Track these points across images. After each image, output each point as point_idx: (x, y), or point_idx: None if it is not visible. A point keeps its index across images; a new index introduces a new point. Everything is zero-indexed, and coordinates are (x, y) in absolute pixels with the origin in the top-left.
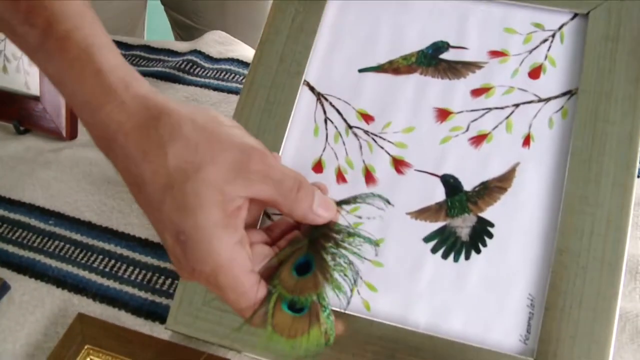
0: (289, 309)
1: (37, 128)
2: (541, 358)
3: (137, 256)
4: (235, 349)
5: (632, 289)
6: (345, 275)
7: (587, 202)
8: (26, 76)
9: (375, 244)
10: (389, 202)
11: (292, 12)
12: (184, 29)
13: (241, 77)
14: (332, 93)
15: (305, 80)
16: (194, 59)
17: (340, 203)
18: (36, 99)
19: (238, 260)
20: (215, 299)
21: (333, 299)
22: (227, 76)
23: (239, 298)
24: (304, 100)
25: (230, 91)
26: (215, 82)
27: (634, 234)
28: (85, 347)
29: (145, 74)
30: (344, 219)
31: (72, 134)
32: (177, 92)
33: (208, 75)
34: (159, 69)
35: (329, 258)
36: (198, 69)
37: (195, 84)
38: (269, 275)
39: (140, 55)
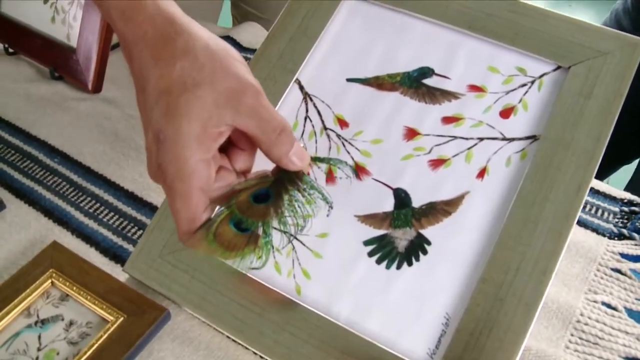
0: (234, 226)
1: (68, 76)
2: None
3: (119, 205)
4: (175, 301)
5: (561, 336)
6: (295, 216)
7: (521, 241)
8: (69, 29)
9: (330, 205)
10: (357, 175)
11: (301, 15)
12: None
13: None
14: (318, 95)
15: (297, 79)
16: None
17: (314, 159)
18: (73, 50)
19: (198, 174)
20: (170, 254)
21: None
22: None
23: (184, 207)
24: (291, 96)
25: None
26: None
27: (580, 287)
28: (50, 270)
29: None
30: (313, 174)
31: (97, 88)
32: None
33: None
34: None
35: (286, 198)
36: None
37: None
38: (226, 197)
39: None
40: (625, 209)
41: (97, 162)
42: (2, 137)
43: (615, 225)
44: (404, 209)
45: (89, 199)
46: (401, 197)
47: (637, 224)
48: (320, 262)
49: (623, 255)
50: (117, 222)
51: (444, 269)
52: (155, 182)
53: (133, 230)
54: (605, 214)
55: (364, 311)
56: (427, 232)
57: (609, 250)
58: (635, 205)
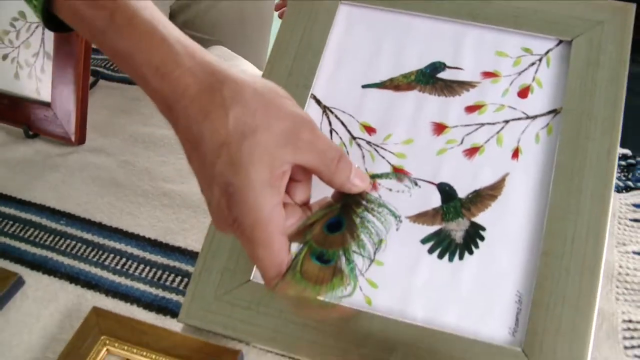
0: (317, 259)
1: (46, 133)
2: (528, 348)
3: (147, 255)
4: (244, 340)
5: (609, 290)
6: (371, 237)
7: (570, 210)
8: (38, 82)
9: (399, 219)
10: (416, 184)
11: (300, 31)
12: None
13: None
14: (337, 106)
15: (312, 94)
16: None
17: (373, 177)
18: (47, 104)
19: (276, 219)
20: (226, 294)
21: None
22: None
23: (267, 255)
24: (310, 112)
25: None
26: None
27: (609, 243)
28: (102, 337)
29: None
30: (376, 192)
31: (81, 140)
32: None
33: None
34: None
35: (358, 221)
36: None
37: None
38: (300, 232)
39: None
40: (623, 162)
41: (107, 217)
42: None
43: (619, 180)
44: (452, 201)
45: (112, 255)
46: (446, 191)
47: (637, 174)
48: (383, 269)
49: (636, 205)
50: (151, 274)
51: (504, 250)
52: (226, 233)
53: (170, 279)
54: None
55: (438, 307)
56: (479, 219)
57: (623, 203)
58: (630, 158)
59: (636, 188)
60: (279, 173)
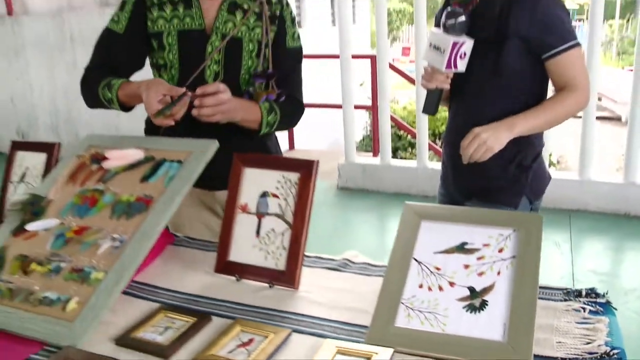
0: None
1: (280, 285)
2: (510, 342)
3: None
4: (394, 348)
5: (551, 333)
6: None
7: (522, 293)
8: (277, 261)
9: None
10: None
11: (406, 235)
12: None
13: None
14: (424, 261)
15: (413, 257)
16: (346, 261)
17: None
18: (282, 272)
19: (154, 102)
20: (386, 329)
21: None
22: (366, 271)
23: (150, 109)
24: (414, 265)
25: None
26: (361, 273)
27: (555, 315)
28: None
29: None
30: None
31: (297, 285)
32: (335, 280)
33: (354, 268)
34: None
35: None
36: (351, 266)
37: (353, 273)
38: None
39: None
40: (565, 291)
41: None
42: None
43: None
44: (474, 293)
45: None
46: (472, 289)
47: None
48: (449, 319)
49: (569, 306)
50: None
51: (496, 308)
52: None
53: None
54: (554, 294)
55: (469, 330)
56: (485, 297)
57: (561, 307)
58: (569, 289)
59: (571, 300)
60: (159, 95)
